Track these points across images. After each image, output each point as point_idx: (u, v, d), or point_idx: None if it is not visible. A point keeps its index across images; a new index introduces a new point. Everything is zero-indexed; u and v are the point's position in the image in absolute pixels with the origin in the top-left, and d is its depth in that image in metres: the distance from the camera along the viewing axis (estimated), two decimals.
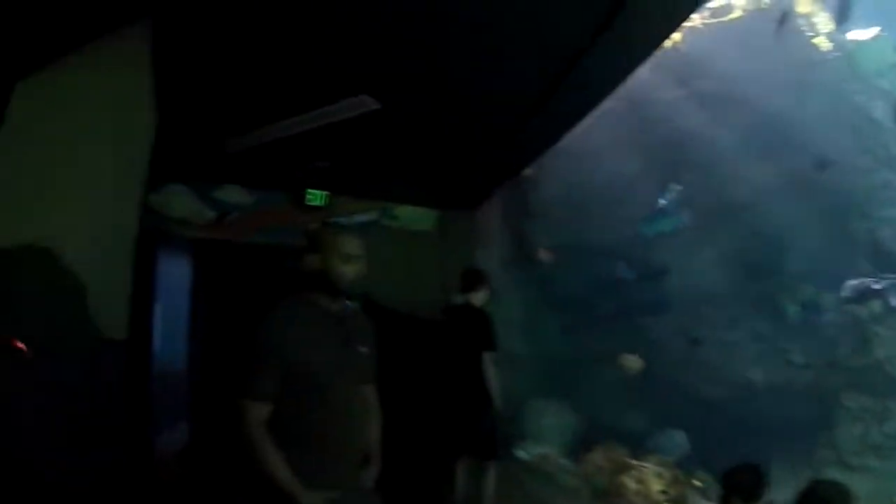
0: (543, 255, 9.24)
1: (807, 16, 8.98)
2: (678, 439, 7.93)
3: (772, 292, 8.63)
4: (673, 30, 3.90)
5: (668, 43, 8.04)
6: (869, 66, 8.62)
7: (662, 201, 9.03)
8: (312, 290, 2.74)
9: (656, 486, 6.67)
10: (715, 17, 8.71)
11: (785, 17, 8.03)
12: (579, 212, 9.33)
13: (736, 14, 8.74)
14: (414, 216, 7.51)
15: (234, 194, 6.74)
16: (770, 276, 8.63)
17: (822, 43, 8.81)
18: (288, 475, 2.49)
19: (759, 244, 8.69)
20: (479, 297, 5.58)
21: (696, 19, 8.48)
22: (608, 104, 7.62)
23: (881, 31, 8.92)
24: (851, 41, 8.98)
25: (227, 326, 5.54)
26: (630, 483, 6.80)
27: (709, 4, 8.42)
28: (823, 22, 8.97)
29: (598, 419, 8.16)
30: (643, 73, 7.64)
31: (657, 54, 7.83)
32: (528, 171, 8.93)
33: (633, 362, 8.63)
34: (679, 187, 8.94)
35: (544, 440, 7.94)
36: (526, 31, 3.61)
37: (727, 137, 8.66)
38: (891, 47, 8.88)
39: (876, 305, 7.95)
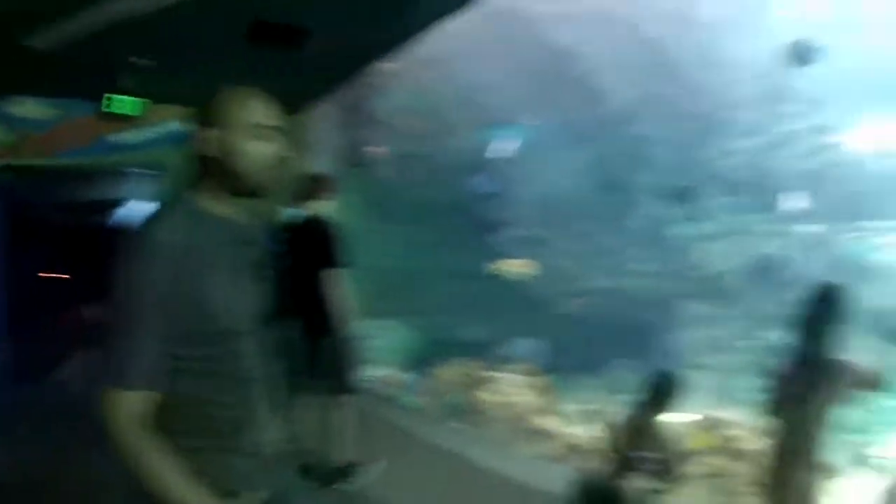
0: (381, 159, 8.79)
1: None
2: (530, 347, 7.93)
3: (623, 206, 8.78)
4: None
5: None
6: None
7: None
8: (205, 188, 1.81)
9: (524, 396, 6.66)
10: None
11: None
12: (429, 121, 8.94)
13: None
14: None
15: (31, 109, 5.66)
16: (623, 191, 8.77)
17: None
18: (187, 487, 1.64)
19: (616, 159, 8.73)
20: (323, 207, 5.00)
21: None
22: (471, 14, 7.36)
23: None
24: None
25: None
26: (489, 396, 6.76)
27: None
28: None
29: (446, 335, 8.05)
30: None
31: None
32: (372, 76, 8.32)
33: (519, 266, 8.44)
34: None
35: (386, 361, 7.70)
36: None
37: (598, 56, 8.54)
38: None
39: (711, 224, 8.30)
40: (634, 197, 8.80)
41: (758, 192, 7.82)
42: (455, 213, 8.96)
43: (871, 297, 7.80)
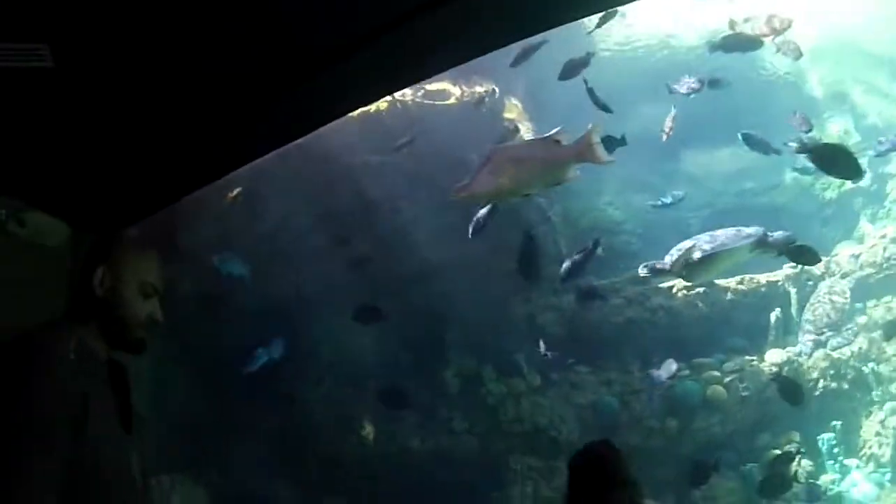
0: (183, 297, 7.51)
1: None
2: None
3: (433, 364, 8.32)
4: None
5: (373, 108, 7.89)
6: None
7: None
8: (92, 328, 1.93)
9: None
10: (429, 99, 8.62)
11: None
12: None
13: (451, 101, 8.76)
14: (45, 226, 5.27)
15: None
16: (432, 349, 8.35)
17: None
18: None
19: (424, 317, 8.33)
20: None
21: (408, 96, 8.29)
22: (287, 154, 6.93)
23: None
24: None
25: None
26: None
27: (428, 87, 8.32)
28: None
29: (241, 493, 6.85)
30: (335, 133, 7.19)
31: (358, 118, 7.70)
32: (182, 205, 7.35)
33: None
34: None
35: None
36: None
37: (411, 210, 8.39)
38: None
39: (535, 378, 8.15)
40: (447, 354, 8.34)
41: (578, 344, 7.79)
42: (253, 362, 7.73)
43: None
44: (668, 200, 8.45)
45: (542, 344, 7.32)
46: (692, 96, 7.49)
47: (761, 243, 6.28)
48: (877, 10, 11.18)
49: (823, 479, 8.34)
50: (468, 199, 4.76)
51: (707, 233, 6.42)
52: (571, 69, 7.25)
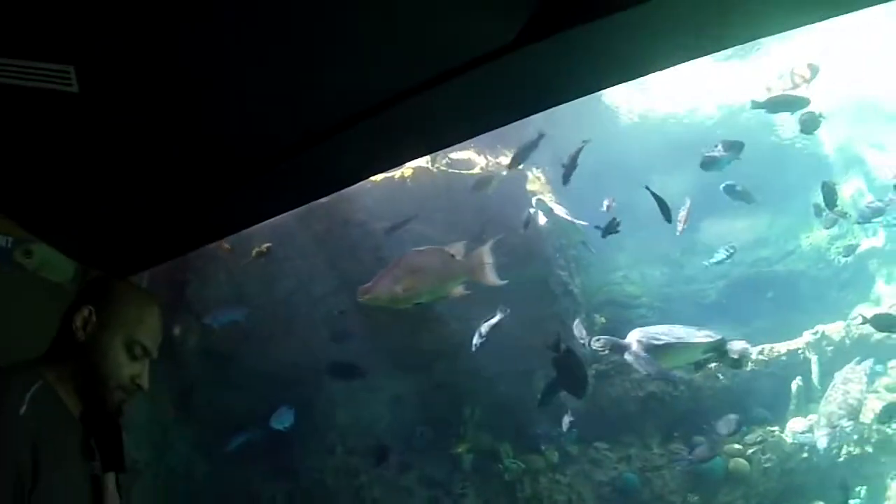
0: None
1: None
2: None
3: (450, 438, 8.14)
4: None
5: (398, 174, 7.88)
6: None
7: None
8: (65, 374, 1.68)
9: None
10: (454, 168, 8.51)
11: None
12: (247, 322, 7.89)
13: (475, 170, 8.70)
14: (52, 260, 5.23)
15: None
16: (450, 423, 8.19)
17: None
18: None
19: (444, 390, 8.22)
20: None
21: (434, 164, 8.22)
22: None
23: None
24: None
25: None
26: None
27: (452, 155, 8.27)
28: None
29: None
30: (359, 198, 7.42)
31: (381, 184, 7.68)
32: (198, 261, 7.41)
33: None
34: None
35: None
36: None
37: None
38: None
39: (554, 455, 7.97)
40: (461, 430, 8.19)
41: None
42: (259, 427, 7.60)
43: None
44: (723, 256, 8.45)
45: (565, 420, 7.13)
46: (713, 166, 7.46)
47: (717, 348, 6.30)
48: (890, 69, 11.33)
49: None
50: (370, 301, 4.97)
51: (665, 325, 6.45)
52: (522, 153, 7.31)
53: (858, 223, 8.33)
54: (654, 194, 6.83)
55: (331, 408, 8.12)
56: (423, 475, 8.01)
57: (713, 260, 8.19)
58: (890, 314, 8.30)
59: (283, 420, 7.06)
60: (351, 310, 7.58)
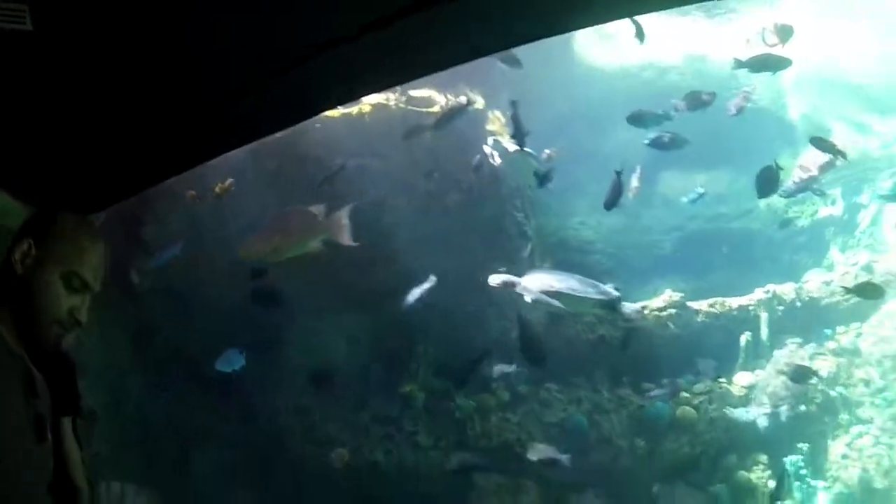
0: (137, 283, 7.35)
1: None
2: None
3: (402, 377, 8.22)
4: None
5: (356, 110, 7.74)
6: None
7: None
8: (5, 311, 1.67)
9: None
10: (413, 105, 8.43)
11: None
12: (198, 260, 7.79)
13: (435, 108, 8.61)
14: (5, 206, 5.10)
15: None
16: (402, 361, 8.26)
17: None
18: None
19: (397, 328, 8.24)
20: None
21: (392, 100, 8.12)
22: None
23: None
24: None
25: None
26: None
27: (413, 93, 8.16)
28: None
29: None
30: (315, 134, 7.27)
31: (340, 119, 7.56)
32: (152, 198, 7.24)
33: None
34: None
35: None
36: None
37: (390, 218, 8.23)
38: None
39: (504, 394, 8.08)
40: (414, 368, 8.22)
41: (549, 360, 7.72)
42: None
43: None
44: (695, 197, 8.55)
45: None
46: (677, 117, 7.44)
47: (608, 306, 6.45)
48: (860, 44, 11.48)
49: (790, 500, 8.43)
50: (246, 257, 5.63)
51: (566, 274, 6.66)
52: (411, 132, 7.36)
53: (781, 196, 8.34)
54: (617, 178, 6.89)
55: (285, 346, 8.10)
56: (377, 413, 8.09)
57: (685, 199, 8.20)
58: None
59: (231, 362, 6.95)
60: None
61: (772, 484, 8.19)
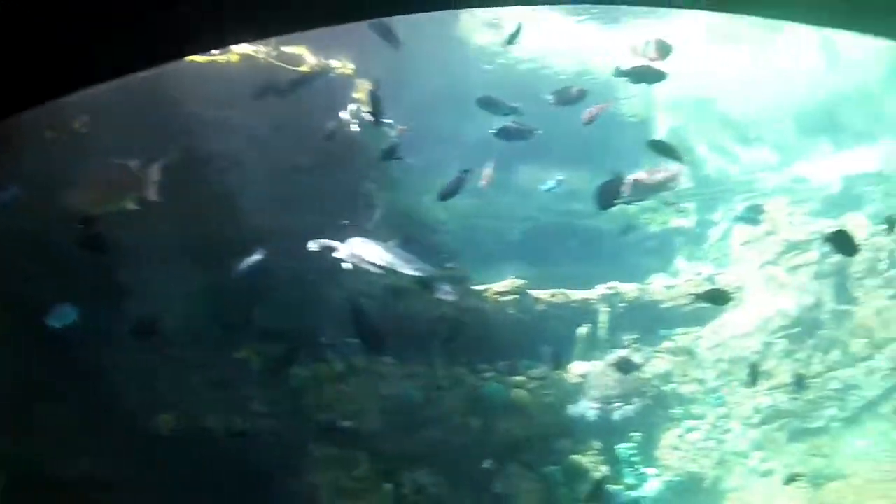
0: None
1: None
2: None
3: (239, 339, 8.01)
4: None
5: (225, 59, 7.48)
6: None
7: None
8: None
9: None
10: (283, 62, 8.14)
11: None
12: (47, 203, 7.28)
13: (304, 67, 8.32)
14: None
15: None
16: (240, 323, 8.04)
17: None
18: None
19: (238, 288, 8.03)
20: None
21: (262, 53, 7.85)
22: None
23: None
24: None
25: None
26: None
27: (285, 49, 7.93)
28: None
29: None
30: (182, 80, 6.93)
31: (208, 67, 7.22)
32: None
33: None
34: None
35: None
36: None
37: (244, 174, 8.01)
38: None
39: (339, 365, 8.04)
40: (253, 334, 8.08)
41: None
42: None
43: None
44: (552, 185, 8.75)
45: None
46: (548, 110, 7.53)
47: (422, 283, 6.71)
48: (737, 73, 12.26)
49: (621, 485, 8.98)
50: (72, 206, 5.77)
51: (387, 245, 6.81)
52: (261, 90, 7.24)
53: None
54: (461, 175, 7.01)
55: (122, 298, 7.70)
56: (211, 376, 7.85)
57: (543, 187, 8.38)
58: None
59: (62, 317, 6.57)
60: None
61: (604, 469, 8.71)
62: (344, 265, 6.31)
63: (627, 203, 7.96)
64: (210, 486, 6.66)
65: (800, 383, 8.71)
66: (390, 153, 7.00)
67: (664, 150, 7.31)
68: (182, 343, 7.70)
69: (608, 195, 6.87)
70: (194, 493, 6.85)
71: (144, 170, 5.90)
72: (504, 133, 7.35)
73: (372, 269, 6.37)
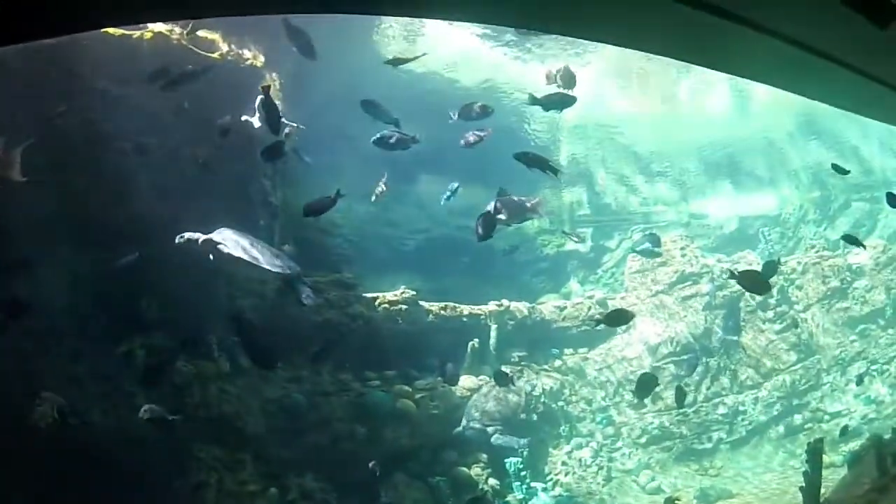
0: None
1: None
2: None
3: (123, 332, 7.67)
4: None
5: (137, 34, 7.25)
6: None
7: None
8: None
9: None
10: (195, 46, 7.99)
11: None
12: None
13: (215, 55, 8.17)
14: None
15: None
16: (126, 314, 7.68)
17: None
18: None
19: (126, 277, 7.75)
20: None
21: (176, 33, 7.74)
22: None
23: None
24: None
25: None
26: None
27: (200, 33, 7.86)
28: None
29: None
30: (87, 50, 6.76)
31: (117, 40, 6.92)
32: None
33: None
34: None
35: None
36: None
37: (140, 157, 7.75)
38: None
39: (225, 364, 7.87)
40: (136, 329, 7.76)
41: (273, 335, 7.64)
42: None
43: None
44: (448, 194, 8.81)
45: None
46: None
47: (286, 282, 6.79)
48: (640, 111, 12.86)
49: (510, 498, 9.12)
50: None
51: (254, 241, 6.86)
52: (155, 75, 7.17)
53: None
54: (333, 197, 6.95)
55: (6, 280, 7.25)
56: (95, 368, 7.44)
57: (442, 196, 8.50)
58: None
59: None
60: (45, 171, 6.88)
61: (493, 482, 8.81)
62: (210, 256, 6.15)
63: (507, 225, 8.10)
64: (90, 485, 6.29)
65: (680, 399, 8.74)
66: (272, 152, 6.85)
67: (533, 161, 7.26)
68: (63, 329, 7.28)
69: (486, 228, 6.91)
70: (71, 491, 6.46)
71: (11, 153, 5.75)
72: (382, 141, 7.26)
73: (235, 262, 6.28)
